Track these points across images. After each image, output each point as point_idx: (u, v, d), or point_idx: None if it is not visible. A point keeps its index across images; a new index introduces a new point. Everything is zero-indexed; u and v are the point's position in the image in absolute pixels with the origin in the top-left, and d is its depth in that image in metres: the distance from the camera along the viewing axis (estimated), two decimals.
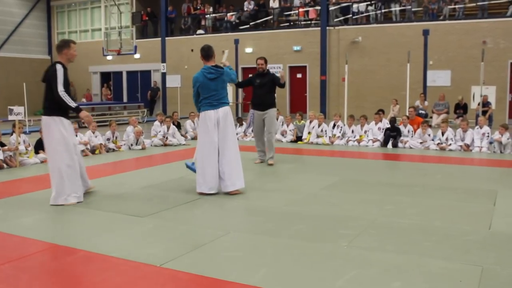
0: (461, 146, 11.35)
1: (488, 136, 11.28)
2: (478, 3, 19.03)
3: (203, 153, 6.65)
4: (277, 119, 13.85)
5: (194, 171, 6.99)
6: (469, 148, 11.27)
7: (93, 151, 11.05)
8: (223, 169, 6.63)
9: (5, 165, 9.14)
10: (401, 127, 12.24)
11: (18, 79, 23.31)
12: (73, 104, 6.21)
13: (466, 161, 10.03)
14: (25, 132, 11.76)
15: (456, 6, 19.34)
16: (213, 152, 6.59)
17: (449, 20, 19.06)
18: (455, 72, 18.51)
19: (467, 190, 6.99)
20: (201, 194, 6.63)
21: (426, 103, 17.10)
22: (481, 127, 11.44)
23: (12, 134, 10.05)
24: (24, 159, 9.53)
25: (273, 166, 9.15)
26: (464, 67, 18.21)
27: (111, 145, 11.52)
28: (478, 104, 15.10)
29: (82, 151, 10.69)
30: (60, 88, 6.11)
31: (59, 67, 6.19)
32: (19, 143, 9.53)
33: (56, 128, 6.18)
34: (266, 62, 9.39)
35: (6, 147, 9.32)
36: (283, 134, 13.47)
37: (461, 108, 16.86)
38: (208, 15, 24.63)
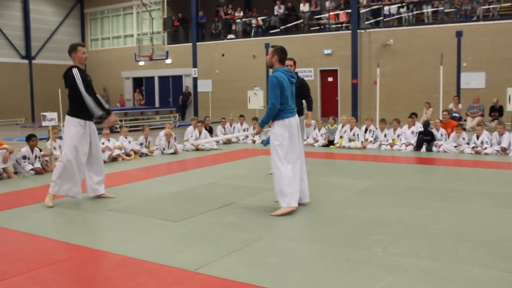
0: (497, 150, 11.11)
1: None
2: None
3: (292, 164, 5.96)
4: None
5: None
6: (506, 152, 11.02)
7: (128, 155, 11.20)
8: (303, 180, 6.17)
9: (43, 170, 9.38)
10: (434, 131, 12.06)
11: (53, 85, 23.75)
12: (96, 110, 6.54)
13: (502, 165, 9.82)
14: (60, 138, 11.99)
15: (490, 7, 18.98)
16: (297, 162, 6.02)
17: (483, 20, 18.71)
18: (490, 74, 18.15)
19: (504, 195, 6.84)
20: (290, 209, 5.89)
21: (460, 106, 16.83)
22: None
23: (47, 140, 10.26)
24: None
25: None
26: (499, 69, 17.85)
27: (144, 150, 11.65)
28: None
29: (118, 155, 10.88)
30: (82, 90, 6.45)
31: (75, 71, 6.53)
32: (54, 148, 9.74)
33: (73, 127, 6.53)
34: (295, 63, 8.23)
35: (42, 153, 9.53)
36: (316, 140, 13.38)
37: (496, 111, 16.54)
38: (239, 20, 24.74)
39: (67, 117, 6.58)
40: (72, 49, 6.70)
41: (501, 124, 11.78)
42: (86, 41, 30.12)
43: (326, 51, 21.51)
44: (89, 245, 4.78)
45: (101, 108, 6.60)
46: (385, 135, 12.62)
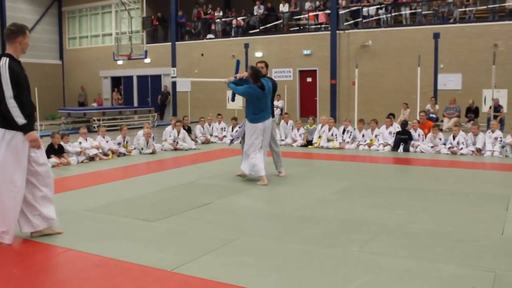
0: (472, 150, 11.26)
1: (500, 140, 11.19)
2: (489, 6, 18.92)
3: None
4: (287, 123, 13.93)
5: None
6: (481, 152, 11.18)
7: (105, 154, 11.09)
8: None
9: None
10: (411, 131, 12.18)
11: (30, 84, 23.50)
12: (21, 119, 4.64)
13: (477, 166, 9.97)
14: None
15: (467, 9, 19.25)
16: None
17: (460, 23, 18.96)
18: (466, 76, 18.40)
19: (479, 195, 6.94)
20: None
21: (437, 107, 17.01)
22: (493, 131, 11.35)
23: None
24: None
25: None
26: (475, 71, 18.10)
27: (122, 150, 11.55)
28: (490, 108, 15.02)
29: (95, 154, 10.76)
30: (9, 94, 4.62)
31: (3, 63, 4.65)
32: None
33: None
34: (267, 66, 8.63)
35: None
36: (294, 140, 13.41)
37: (472, 112, 16.75)
38: (218, 19, 24.68)
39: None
40: (20, 31, 4.79)
41: (475, 125, 11.95)
42: (64, 40, 29.78)
43: (305, 52, 21.58)
44: (65, 245, 4.71)
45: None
46: (363, 135, 12.70)
